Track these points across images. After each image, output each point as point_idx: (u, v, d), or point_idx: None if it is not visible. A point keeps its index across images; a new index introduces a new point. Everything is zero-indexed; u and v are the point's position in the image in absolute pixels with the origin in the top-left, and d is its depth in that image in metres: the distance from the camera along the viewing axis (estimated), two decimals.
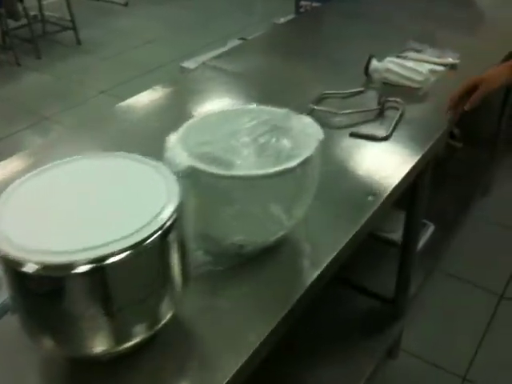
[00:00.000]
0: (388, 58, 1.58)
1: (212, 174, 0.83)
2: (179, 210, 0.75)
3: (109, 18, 4.93)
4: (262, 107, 1.00)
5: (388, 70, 1.56)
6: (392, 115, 1.41)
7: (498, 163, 2.51)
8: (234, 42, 2.90)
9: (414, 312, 1.86)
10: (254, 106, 1.00)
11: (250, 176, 0.83)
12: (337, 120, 1.39)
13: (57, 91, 3.66)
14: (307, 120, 0.96)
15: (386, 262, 1.86)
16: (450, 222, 2.18)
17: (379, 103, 1.44)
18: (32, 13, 4.28)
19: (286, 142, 0.90)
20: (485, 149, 2.49)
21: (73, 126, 3.08)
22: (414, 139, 1.34)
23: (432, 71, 1.63)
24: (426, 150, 1.29)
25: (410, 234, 1.59)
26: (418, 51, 1.78)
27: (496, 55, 1.78)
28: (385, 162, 1.26)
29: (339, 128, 1.37)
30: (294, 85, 1.61)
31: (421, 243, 2.00)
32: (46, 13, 4.44)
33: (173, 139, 0.90)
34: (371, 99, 1.48)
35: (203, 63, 1.80)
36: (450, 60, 1.70)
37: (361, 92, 1.54)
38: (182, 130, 0.93)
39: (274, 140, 0.92)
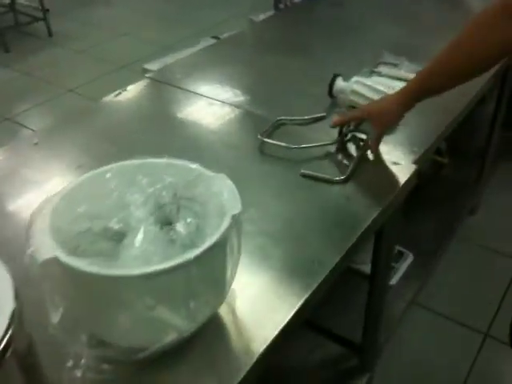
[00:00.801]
0: (354, 78, 1.36)
1: (78, 271, 0.63)
2: (16, 322, 0.56)
3: (86, 7, 4.66)
4: (170, 162, 0.79)
5: (354, 92, 1.34)
6: (356, 146, 1.20)
7: (487, 179, 2.31)
8: (207, 41, 2.67)
9: (389, 353, 1.67)
10: (159, 160, 0.79)
11: (126, 276, 0.63)
12: (290, 154, 1.18)
13: (22, 89, 3.42)
14: (225, 184, 0.75)
15: (359, 298, 1.66)
16: (432, 248, 1.98)
17: (340, 133, 1.22)
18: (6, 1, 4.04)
19: (185, 223, 0.69)
20: (473, 164, 2.28)
21: (34, 128, 2.89)
22: (377, 183, 1.12)
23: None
24: (390, 198, 1.08)
25: (379, 268, 1.36)
26: (393, 65, 1.56)
27: None
28: (340, 214, 1.05)
29: (292, 165, 1.15)
30: (251, 108, 1.39)
31: (398, 275, 1.81)
32: (20, 1, 4.19)
33: (40, 215, 0.69)
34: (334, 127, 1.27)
35: (149, 77, 1.58)
36: None
37: (322, 118, 1.32)
38: (57, 196, 0.73)
39: (173, 217, 0.71)
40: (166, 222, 0.71)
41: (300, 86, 1.51)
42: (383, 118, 1.14)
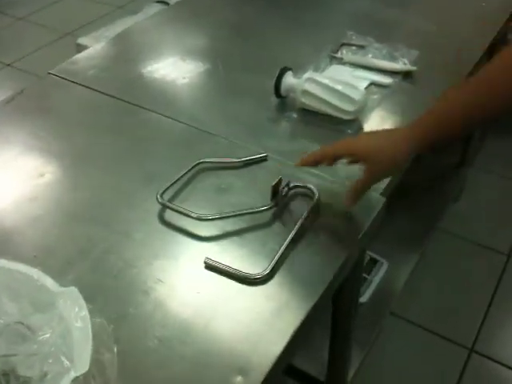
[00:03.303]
0: (307, 74, 1.06)
1: None
2: None
3: None
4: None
5: (305, 93, 1.05)
6: (295, 215, 0.85)
7: (471, 162, 2.05)
8: (151, 7, 2.32)
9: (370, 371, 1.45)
10: None
11: None
12: (203, 226, 0.84)
13: None
14: (76, 313, 0.48)
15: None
16: (411, 248, 1.74)
17: (275, 194, 0.85)
18: None
19: None
20: (457, 147, 2.01)
21: None
22: (312, 272, 0.79)
23: (374, 88, 1.13)
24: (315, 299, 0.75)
25: (340, 321, 1.13)
26: (359, 47, 1.27)
27: (477, 46, 1.28)
28: (260, 319, 0.72)
29: (201, 245, 0.82)
30: (174, 116, 1.10)
31: (370, 289, 1.57)
32: None
33: None
34: (274, 172, 0.91)
35: (52, 73, 1.25)
36: (401, 66, 1.19)
37: (262, 159, 0.96)
38: None
39: None
40: None
41: (244, 79, 1.21)
42: (383, 163, 0.80)
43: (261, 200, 0.87)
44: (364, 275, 1.55)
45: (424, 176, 1.94)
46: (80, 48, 2.15)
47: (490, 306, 1.69)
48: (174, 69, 1.25)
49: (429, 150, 0.81)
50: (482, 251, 1.86)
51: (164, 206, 0.86)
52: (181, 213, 0.84)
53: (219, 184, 0.93)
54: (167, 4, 2.33)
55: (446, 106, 0.79)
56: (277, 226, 0.86)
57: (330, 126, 1.05)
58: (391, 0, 1.50)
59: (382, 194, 0.90)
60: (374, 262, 1.60)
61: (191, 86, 1.21)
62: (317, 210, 0.87)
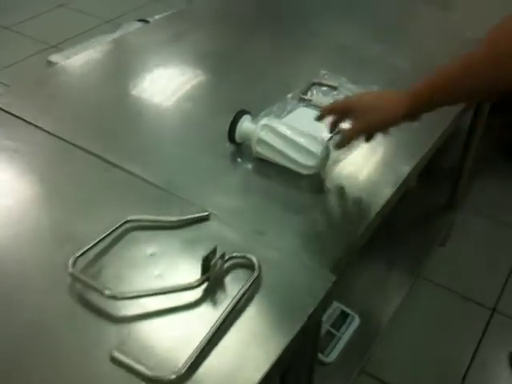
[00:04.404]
0: (264, 121, 0.93)
1: None
2: None
3: None
4: None
5: (260, 142, 0.93)
6: (231, 291, 0.72)
7: (460, 204, 1.93)
8: (131, 25, 2.21)
9: None
10: None
11: None
12: (116, 303, 0.70)
13: None
14: None
15: None
16: (384, 302, 1.60)
17: (207, 266, 0.72)
18: None
19: None
20: (445, 187, 1.89)
21: None
22: (243, 365, 0.66)
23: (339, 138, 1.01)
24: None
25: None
26: (330, 88, 1.15)
27: None
28: None
29: (112, 327, 0.69)
30: (120, 162, 0.97)
31: (339, 347, 1.43)
32: None
33: None
34: (214, 235, 0.80)
35: None
36: None
37: (203, 219, 0.83)
38: None
39: None
40: None
41: (201, 120, 1.09)
42: (369, 121, 0.87)
43: (196, 271, 0.75)
44: (333, 331, 1.42)
45: (408, 218, 1.82)
46: (51, 65, 2.04)
47: (469, 366, 1.55)
48: (123, 105, 1.13)
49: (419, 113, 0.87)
50: (464, 304, 1.73)
51: (74, 278, 0.73)
52: (92, 288, 0.72)
53: (147, 248, 0.80)
54: (148, 22, 2.23)
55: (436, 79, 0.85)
56: (207, 306, 0.72)
57: (287, 180, 0.92)
58: (377, 34, 1.39)
59: (332, 269, 0.78)
60: (344, 315, 1.47)
61: (137, 125, 1.08)
62: (257, 285, 0.75)
